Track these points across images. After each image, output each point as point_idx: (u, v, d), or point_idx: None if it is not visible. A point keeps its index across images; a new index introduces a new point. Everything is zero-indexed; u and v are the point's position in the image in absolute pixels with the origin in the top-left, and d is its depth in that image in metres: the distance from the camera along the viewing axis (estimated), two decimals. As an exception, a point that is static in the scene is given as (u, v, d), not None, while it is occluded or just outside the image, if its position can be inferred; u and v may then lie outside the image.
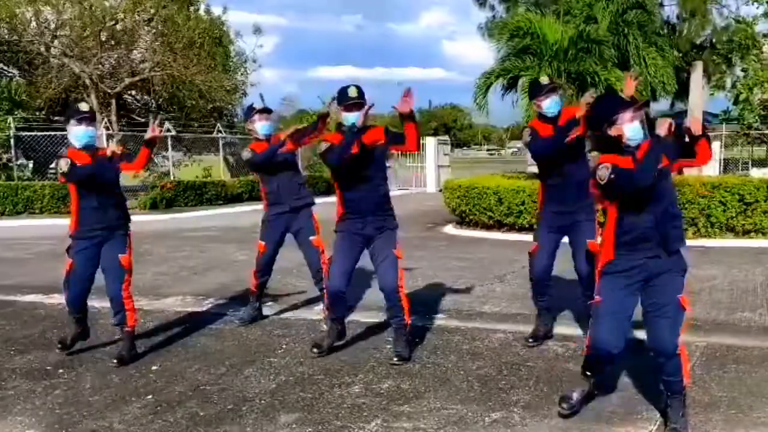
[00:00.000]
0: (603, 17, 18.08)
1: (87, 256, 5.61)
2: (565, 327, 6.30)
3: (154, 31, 27.41)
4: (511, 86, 16.55)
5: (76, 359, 5.82)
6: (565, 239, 5.77)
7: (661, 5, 22.50)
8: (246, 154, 6.63)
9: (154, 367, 5.60)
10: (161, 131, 6.06)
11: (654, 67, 17.27)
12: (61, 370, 5.56)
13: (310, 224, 6.72)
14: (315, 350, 5.74)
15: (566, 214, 5.61)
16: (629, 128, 3.92)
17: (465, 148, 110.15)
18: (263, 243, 6.76)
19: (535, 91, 5.86)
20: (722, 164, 25.34)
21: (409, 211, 15.84)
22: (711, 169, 24.68)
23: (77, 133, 5.51)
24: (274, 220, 6.71)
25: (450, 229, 14.85)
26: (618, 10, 18.19)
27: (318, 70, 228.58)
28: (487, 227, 13.70)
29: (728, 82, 20.79)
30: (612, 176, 3.81)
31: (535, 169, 6.60)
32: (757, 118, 17.71)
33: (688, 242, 10.94)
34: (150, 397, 4.97)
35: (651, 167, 3.77)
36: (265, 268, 6.82)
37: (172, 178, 22.98)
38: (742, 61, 19.86)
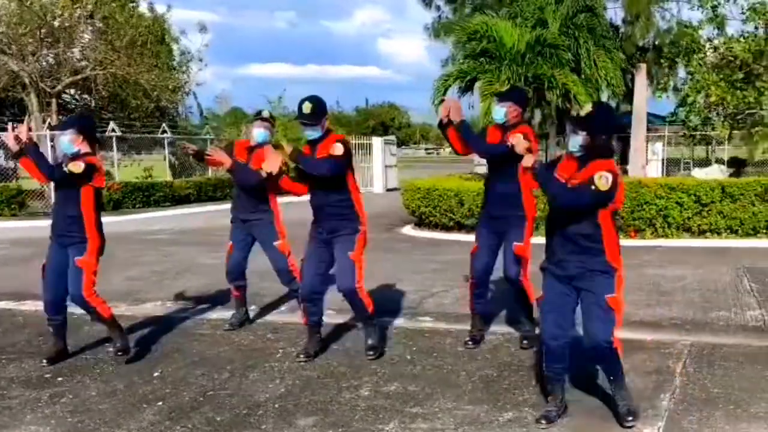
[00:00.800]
0: (554, 20, 18.60)
1: (55, 258, 5.75)
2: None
3: (92, 28, 26.90)
4: (468, 88, 16.86)
5: (72, 366, 5.82)
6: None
7: (605, 8, 23.10)
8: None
9: (155, 373, 5.64)
10: (30, 132, 5.66)
11: (604, 70, 17.84)
12: (60, 378, 5.54)
13: (272, 231, 6.69)
14: (302, 356, 5.82)
15: (500, 218, 5.87)
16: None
17: (403, 147, 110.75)
18: (231, 243, 6.86)
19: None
20: (665, 164, 26.25)
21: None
22: (654, 170, 25.58)
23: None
24: (234, 222, 6.86)
25: (409, 231, 15.03)
26: (568, 13, 18.73)
27: (250, 67, 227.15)
28: (447, 228, 13.91)
29: (671, 85, 21.51)
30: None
31: (482, 169, 6.86)
32: (700, 120, 18.37)
33: (647, 242, 11.39)
34: (161, 403, 5.01)
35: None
36: (234, 269, 6.85)
37: (116, 179, 22.63)
38: (687, 65, 20.60)
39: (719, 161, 26.02)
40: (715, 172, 22.97)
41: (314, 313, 5.93)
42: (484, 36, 16.06)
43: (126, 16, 27.01)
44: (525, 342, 6.07)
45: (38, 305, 6.02)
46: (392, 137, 33.39)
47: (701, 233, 12.01)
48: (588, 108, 4.33)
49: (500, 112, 5.79)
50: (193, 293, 8.53)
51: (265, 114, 6.81)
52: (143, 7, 29.10)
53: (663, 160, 26.05)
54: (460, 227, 13.60)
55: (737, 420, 4.45)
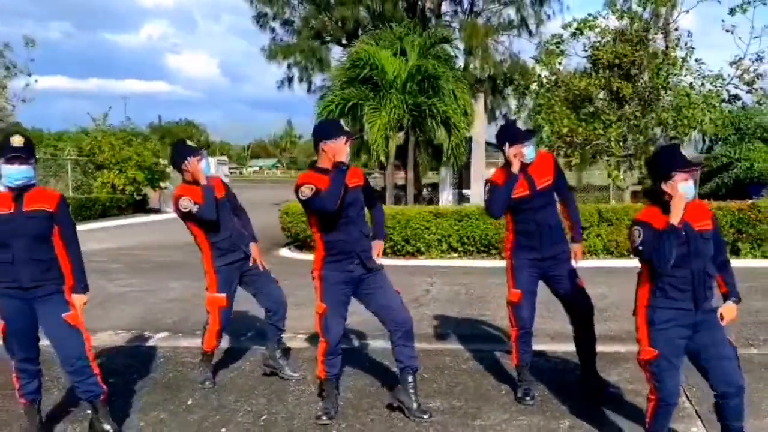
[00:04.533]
0: (411, 49, 19.62)
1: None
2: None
3: None
4: (347, 113, 17.45)
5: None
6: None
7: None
8: (189, 204, 5.85)
9: (189, 402, 5.76)
10: None
11: (462, 100, 19.11)
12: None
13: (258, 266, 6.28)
14: (324, 418, 5.30)
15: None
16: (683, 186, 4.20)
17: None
18: (225, 296, 6.07)
19: (514, 136, 5.63)
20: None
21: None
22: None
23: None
24: (228, 269, 6.10)
25: (287, 253, 15.36)
26: (425, 43, 19.85)
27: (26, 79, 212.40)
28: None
29: (519, 113, 23.31)
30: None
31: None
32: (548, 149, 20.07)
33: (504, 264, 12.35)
34: (224, 429, 5.19)
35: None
36: (227, 323, 6.25)
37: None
38: (523, 96, 22.50)
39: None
40: (546, 197, 25.08)
41: (338, 366, 5.50)
42: (367, 63, 16.78)
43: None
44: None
45: None
46: (224, 157, 33.29)
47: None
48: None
49: (532, 152, 5.64)
50: (143, 321, 8.49)
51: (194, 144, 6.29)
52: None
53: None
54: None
55: (758, 416, 5.34)
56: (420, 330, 8.00)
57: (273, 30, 31.27)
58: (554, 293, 5.86)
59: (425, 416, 5.30)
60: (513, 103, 27.97)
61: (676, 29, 17.28)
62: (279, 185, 54.62)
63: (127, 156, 28.02)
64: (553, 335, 7.64)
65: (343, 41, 29.84)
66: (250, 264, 6.20)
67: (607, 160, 18.07)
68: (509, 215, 5.74)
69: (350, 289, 5.36)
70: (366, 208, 5.52)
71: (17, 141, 4.71)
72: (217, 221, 5.93)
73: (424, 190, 27.17)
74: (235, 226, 6.18)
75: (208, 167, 6.11)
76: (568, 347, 6.44)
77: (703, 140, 22.64)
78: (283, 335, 6.51)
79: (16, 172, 4.67)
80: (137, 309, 9.32)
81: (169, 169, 29.68)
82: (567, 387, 6.00)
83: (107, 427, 4.95)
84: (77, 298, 4.91)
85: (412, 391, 5.37)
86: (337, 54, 30.43)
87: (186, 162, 5.96)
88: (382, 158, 17.09)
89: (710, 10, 16.55)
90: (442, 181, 27.90)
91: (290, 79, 31.12)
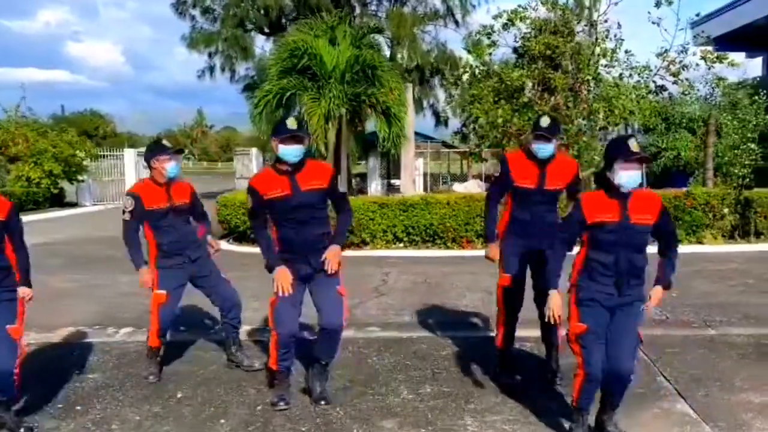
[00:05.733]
0: (344, 39, 19.70)
1: None
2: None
3: None
4: (284, 103, 17.40)
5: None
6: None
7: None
8: (127, 205, 6.05)
9: (179, 395, 5.78)
10: None
11: (398, 91, 19.28)
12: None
13: (215, 264, 6.44)
14: (282, 404, 5.46)
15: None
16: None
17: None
18: (165, 292, 6.11)
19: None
20: (427, 179, 28.54)
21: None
22: (418, 185, 27.74)
23: None
24: (171, 270, 6.15)
25: (226, 246, 15.23)
26: (358, 33, 19.94)
27: None
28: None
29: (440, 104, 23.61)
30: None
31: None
32: (477, 138, 20.38)
33: (478, 252, 12.81)
34: (223, 421, 5.25)
35: None
36: (168, 320, 6.26)
37: None
38: (454, 86, 22.82)
39: (476, 176, 28.80)
40: (473, 187, 25.58)
41: (289, 358, 5.55)
42: (305, 53, 16.76)
43: None
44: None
45: None
46: (143, 150, 32.54)
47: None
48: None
49: (549, 149, 5.65)
50: (102, 316, 8.39)
51: (168, 144, 6.26)
52: None
53: (426, 174, 28.35)
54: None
55: (728, 392, 5.69)
56: (388, 319, 8.23)
57: (193, 18, 30.84)
58: (533, 286, 6.00)
59: (322, 402, 5.50)
60: (441, 93, 28.39)
61: (606, 21, 17.75)
62: (196, 177, 53.89)
63: (43, 148, 27.14)
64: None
65: (266, 30, 29.67)
66: (212, 253, 6.38)
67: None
68: (509, 199, 5.95)
69: (302, 285, 5.43)
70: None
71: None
72: (165, 226, 6.08)
73: (353, 180, 27.29)
74: (187, 233, 6.24)
75: (175, 169, 6.14)
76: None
77: (626, 129, 23.44)
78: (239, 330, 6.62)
79: None
80: (93, 305, 9.16)
81: (87, 162, 28.98)
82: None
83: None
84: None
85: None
86: (260, 42, 30.23)
87: (153, 161, 6.07)
88: (322, 149, 17.14)
89: (641, 2, 16.97)
90: (371, 171, 28.10)
91: (212, 68, 30.79)
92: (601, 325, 4.58)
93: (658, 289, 4.65)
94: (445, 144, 31.58)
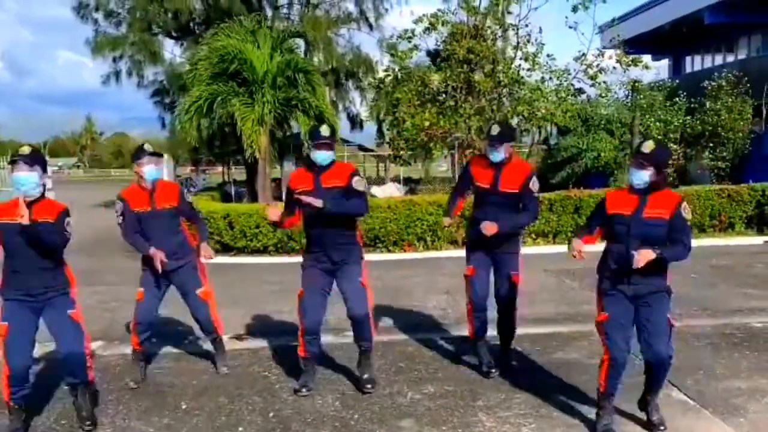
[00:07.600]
0: (265, 43, 19.69)
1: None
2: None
3: None
4: (214, 108, 17.23)
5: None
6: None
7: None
8: (118, 210, 6.30)
9: (183, 406, 5.80)
10: None
11: (321, 96, 19.41)
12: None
13: (195, 277, 6.52)
14: (304, 390, 5.99)
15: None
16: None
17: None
18: (142, 290, 6.38)
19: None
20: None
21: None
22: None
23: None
24: (151, 271, 6.32)
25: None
26: (278, 37, 19.97)
27: None
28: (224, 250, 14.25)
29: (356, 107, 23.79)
30: None
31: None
32: (403, 142, 20.65)
33: (420, 254, 13.14)
34: (241, 429, 5.32)
35: None
36: (144, 319, 6.39)
37: None
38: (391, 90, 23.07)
39: (395, 180, 29.21)
40: (392, 190, 25.90)
41: (316, 346, 6.11)
42: (235, 58, 16.65)
43: None
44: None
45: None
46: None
47: (464, 244, 14.07)
48: (651, 145, 5.03)
49: (499, 154, 6.11)
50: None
51: (149, 148, 6.37)
52: None
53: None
54: (227, 249, 14.16)
55: (716, 380, 6.14)
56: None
57: (96, 21, 29.96)
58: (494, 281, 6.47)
59: (369, 386, 6.05)
60: (356, 96, 28.62)
61: (527, 26, 18.34)
62: (91, 186, 52.64)
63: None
64: (535, 319, 8.31)
65: (174, 34, 29.22)
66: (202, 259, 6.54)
67: (471, 152, 18.97)
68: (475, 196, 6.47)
69: (326, 277, 6.04)
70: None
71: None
72: (149, 230, 6.27)
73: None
74: (170, 243, 6.29)
75: (153, 173, 6.30)
76: (550, 329, 7.74)
77: (540, 131, 24.27)
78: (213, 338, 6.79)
79: None
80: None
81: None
82: (552, 365, 6.67)
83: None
84: None
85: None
86: (170, 47, 29.73)
87: (134, 165, 6.33)
88: (256, 153, 17.06)
89: (562, 7, 17.62)
90: (285, 175, 28.00)
91: (117, 73, 30.03)
92: (623, 314, 4.96)
93: (648, 249, 4.73)
94: (361, 147, 31.86)
